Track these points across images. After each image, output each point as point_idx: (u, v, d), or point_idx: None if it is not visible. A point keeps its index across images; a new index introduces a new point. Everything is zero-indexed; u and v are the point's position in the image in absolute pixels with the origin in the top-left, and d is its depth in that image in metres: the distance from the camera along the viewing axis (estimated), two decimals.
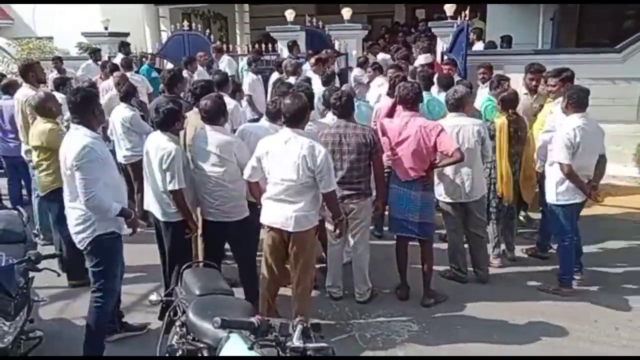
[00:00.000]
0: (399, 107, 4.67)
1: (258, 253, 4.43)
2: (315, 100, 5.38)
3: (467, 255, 5.01)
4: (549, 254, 5.39)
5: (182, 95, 5.84)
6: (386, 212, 5.06)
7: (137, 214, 6.30)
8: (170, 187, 3.94)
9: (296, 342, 2.27)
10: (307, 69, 8.55)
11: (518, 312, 4.44)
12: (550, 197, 4.63)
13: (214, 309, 2.92)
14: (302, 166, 3.69)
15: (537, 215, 5.96)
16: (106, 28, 11.76)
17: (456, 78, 7.54)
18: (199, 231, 4.29)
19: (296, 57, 9.26)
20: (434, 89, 6.38)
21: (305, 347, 2.26)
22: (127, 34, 11.70)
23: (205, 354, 2.85)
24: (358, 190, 4.40)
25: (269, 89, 8.70)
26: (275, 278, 4.10)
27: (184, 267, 3.50)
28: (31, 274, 3.63)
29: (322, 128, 4.60)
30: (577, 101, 4.43)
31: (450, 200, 4.80)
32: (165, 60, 11.07)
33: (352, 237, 4.56)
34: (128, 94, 6.27)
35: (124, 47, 10.22)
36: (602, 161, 4.60)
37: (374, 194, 4.58)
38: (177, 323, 3.18)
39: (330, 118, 4.91)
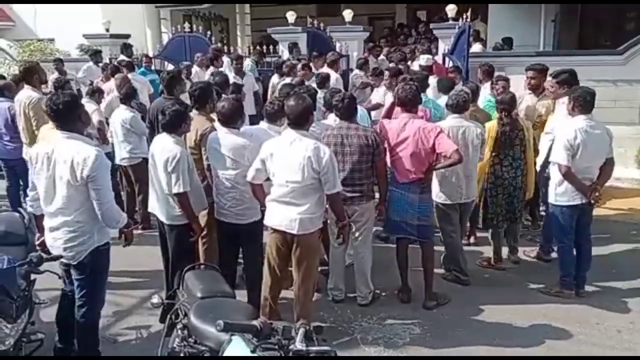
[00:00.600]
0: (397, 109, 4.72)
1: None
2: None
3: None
4: (551, 257, 5.37)
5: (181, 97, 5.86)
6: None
7: (140, 216, 6.42)
8: (175, 190, 3.93)
9: (299, 345, 2.27)
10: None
11: (520, 315, 4.43)
12: (550, 198, 4.62)
13: (215, 312, 2.91)
14: (307, 167, 3.68)
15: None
16: (107, 30, 11.76)
17: (460, 84, 7.57)
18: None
19: (296, 59, 9.27)
20: (430, 90, 6.40)
21: (307, 350, 2.25)
22: (128, 36, 11.69)
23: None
24: (360, 192, 4.38)
25: (269, 91, 8.75)
26: (277, 280, 4.09)
27: (185, 269, 3.50)
28: (33, 276, 3.62)
29: (325, 129, 4.59)
30: (583, 103, 4.41)
31: (449, 202, 4.80)
32: (166, 62, 11.07)
33: (354, 240, 4.55)
34: (128, 96, 6.27)
35: (126, 49, 10.23)
36: (609, 164, 4.56)
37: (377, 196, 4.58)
38: (179, 326, 3.18)
39: (332, 120, 4.91)
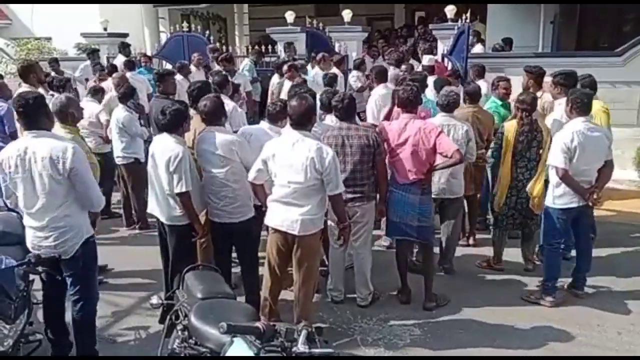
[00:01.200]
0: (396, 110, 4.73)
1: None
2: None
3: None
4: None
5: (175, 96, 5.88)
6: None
7: (136, 215, 6.40)
8: (177, 190, 3.91)
9: (301, 347, 2.26)
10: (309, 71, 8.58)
11: (520, 316, 4.42)
12: (548, 200, 4.58)
13: (216, 313, 2.90)
14: (310, 168, 3.67)
15: None
16: (105, 29, 11.73)
17: (484, 84, 7.58)
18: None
19: (292, 58, 9.26)
20: (429, 91, 6.39)
21: (310, 352, 2.24)
22: (126, 35, 11.67)
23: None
24: (361, 193, 4.36)
25: (270, 90, 8.73)
26: (278, 280, 4.08)
27: (185, 270, 3.47)
28: (31, 276, 3.60)
29: (326, 130, 4.58)
30: (581, 105, 4.37)
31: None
32: (164, 62, 11.05)
33: (354, 241, 4.52)
34: (126, 95, 6.25)
35: (125, 48, 10.20)
36: (608, 166, 4.54)
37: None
38: (179, 327, 3.15)
39: (329, 121, 4.89)
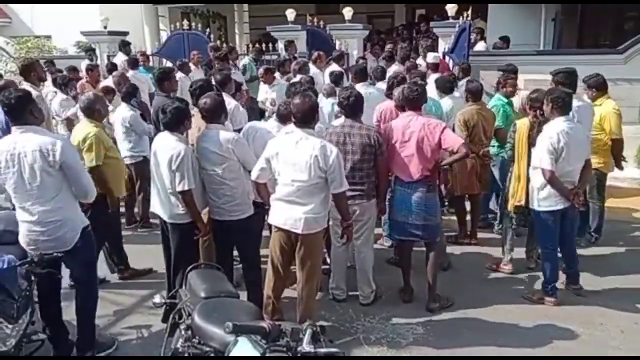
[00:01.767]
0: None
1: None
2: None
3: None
4: None
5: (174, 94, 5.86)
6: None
7: (140, 214, 6.39)
8: (179, 188, 3.91)
9: (306, 347, 2.24)
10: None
11: (523, 316, 4.41)
12: (533, 203, 4.51)
13: (220, 312, 2.89)
14: (314, 166, 3.66)
15: None
16: (105, 27, 11.70)
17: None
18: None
19: (292, 56, 9.23)
20: (432, 90, 6.36)
21: (316, 352, 2.23)
22: (126, 33, 11.65)
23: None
24: (361, 191, 4.34)
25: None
26: (281, 279, 4.08)
27: (188, 269, 3.46)
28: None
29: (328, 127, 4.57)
30: (562, 104, 4.33)
31: None
32: (164, 60, 11.03)
33: (356, 239, 4.50)
34: (129, 94, 6.22)
35: (125, 46, 10.17)
36: (588, 166, 4.51)
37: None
38: (182, 326, 3.14)
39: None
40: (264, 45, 10.38)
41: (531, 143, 4.62)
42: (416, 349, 4.03)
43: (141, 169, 6.15)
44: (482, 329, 4.25)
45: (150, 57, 11.19)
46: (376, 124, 5.31)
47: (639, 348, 3.99)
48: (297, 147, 3.72)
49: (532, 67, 7.44)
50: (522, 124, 4.79)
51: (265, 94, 7.80)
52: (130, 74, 8.04)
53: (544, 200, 4.41)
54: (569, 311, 4.47)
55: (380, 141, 4.33)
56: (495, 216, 6.06)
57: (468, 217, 5.90)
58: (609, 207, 6.52)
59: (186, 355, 2.97)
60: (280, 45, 10.46)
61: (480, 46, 9.94)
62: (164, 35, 13.06)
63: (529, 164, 4.62)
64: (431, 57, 7.91)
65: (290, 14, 10.49)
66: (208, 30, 11.44)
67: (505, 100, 5.84)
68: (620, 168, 5.78)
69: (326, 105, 6.15)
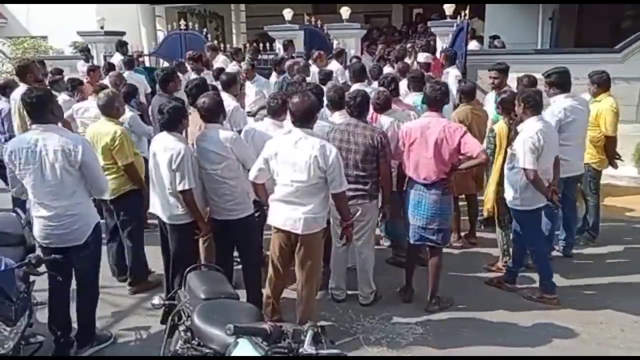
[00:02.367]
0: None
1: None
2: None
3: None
4: (553, 256, 5.35)
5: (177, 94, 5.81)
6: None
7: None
8: (180, 188, 3.90)
9: (308, 348, 2.23)
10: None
11: (522, 315, 4.41)
12: (514, 203, 4.51)
13: (220, 314, 2.88)
14: (314, 166, 3.64)
15: None
16: (102, 27, 11.66)
17: (455, 72, 7.60)
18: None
19: (291, 57, 9.20)
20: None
21: (317, 353, 2.21)
22: (123, 33, 11.59)
23: None
24: (363, 191, 4.33)
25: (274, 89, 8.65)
26: (281, 279, 4.07)
27: (187, 270, 3.45)
28: (31, 277, 3.56)
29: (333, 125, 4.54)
30: (534, 104, 4.36)
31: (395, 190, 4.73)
32: (161, 60, 11.00)
33: (356, 240, 4.49)
34: (128, 95, 6.19)
35: (122, 46, 10.13)
36: (557, 162, 4.56)
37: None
38: (182, 328, 3.12)
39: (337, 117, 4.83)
40: (261, 45, 10.36)
41: (508, 145, 4.65)
42: (416, 349, 4.02)
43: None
44: (482, 329, 4.24)
45: (148, 58, 11.20)
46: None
47: (639, 347, 3.99)
48: (296, 147, 3.70)
49: (529, 66, 7.41)
50: (501, 129, 4.79)
51: (248, 89, 7.80)
52: (126, 74, 7.99)
53: (527, 199, 4.43)
54: (569, 310, 4.47)
55: (384, 143, 4.30)
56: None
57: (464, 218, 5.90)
58: (607, 205, 6.56)
59: (186, 356, 2.96)
60: (278, 45, 10.44)
61: (472, 45, 9.93)
62: (160, 35, 13.03)
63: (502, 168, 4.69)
64: (422, 57, 7.91)
65: (288, 13, 10.46)
66: (205, 30, 11.43)
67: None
68: (615, 166, 5.77)
69: None
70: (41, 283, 3.87)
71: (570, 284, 4.92)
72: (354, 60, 8.78)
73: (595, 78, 5.59)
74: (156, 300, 3.47)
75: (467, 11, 8.85)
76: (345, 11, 10.12)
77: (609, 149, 5.60)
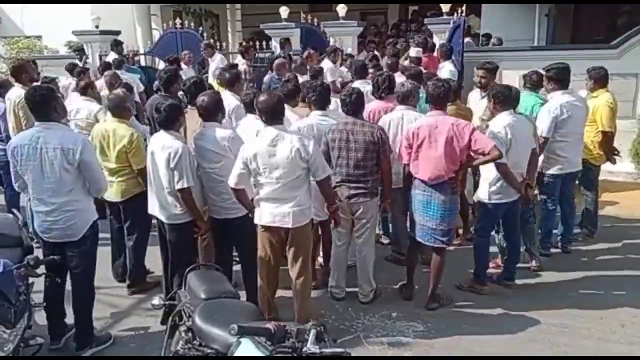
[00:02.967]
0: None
1: None
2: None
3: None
4: (551, 252, 5.37)
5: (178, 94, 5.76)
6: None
7: None
8: (178, 186, 3.89)
9: (311, 347, 2.22)
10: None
11: (523, 310, 4.41)
12: (483, 195, 4.52)
13: (221, 313, 2.86)
14: (297, 159, 3.67)
15: None
16: (97, 26, 11.59)
17: (450, 67, 7.59)
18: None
19: (287, 55, 9.17)
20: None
21: (321, 352, 2.20)
22: (118, 32, 11.54)
23: None
24: (364, 189, 4.31)
25: (262, 88, 8.63)
26: (274, 276, 4.08)
27: (187, 270, 3.43)
28: (30, 279, 3.54)
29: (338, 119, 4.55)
30: (504, 99, 4.40)
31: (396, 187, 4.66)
32: (157, 59, 10.95)
33: (357, 238, 4.49)
34: None
35: (117, 45, 10.08)
36: (533, 155, 4.57)
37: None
38: (182, 328, 3.11)
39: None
40: (257, 43, 10.32)
41: None
42: (417, 346, 4.02)
43: None
44: (482, 325, 4.25)
45: (144, 57, 11.15)
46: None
47: (639, 342, 3.99)
48: (274, 145, 3.71)
49: (526, 63, 7.42)
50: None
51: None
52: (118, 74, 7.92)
53: (495, 193, 4.46)
54: (568, 306, 4.47)
55: (384, 138, 4.29)
56: None
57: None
58: (605, 201, 6.56)
59: (187, 357, 2.94)
60: (274, 43, 10.40)
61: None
62: (156, 34, 12.95)
63: None
64: (413, 52, 7.89)
65: (284, 11, 10.43)
66: (201, 28, 11.38)
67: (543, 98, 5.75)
68: (612, 162, 5.78)
69: None
70: (39, 284, 3.86)
71: (568, 279, 4.93)
72: (348, 58, 8.77)
73: (593, 73, 5.61)
74: (156, 300, 3.45)
75: (463, 7, 8.85)
76: (341, 9, 10.08)
77: (605, 145, 5.60)
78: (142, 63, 11.29)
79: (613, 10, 11.25)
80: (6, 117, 5.93)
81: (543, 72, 5.31)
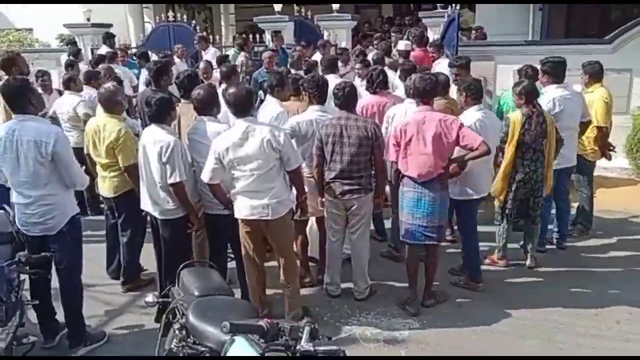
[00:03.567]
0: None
1: None
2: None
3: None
4: (546, 249, 5.37)
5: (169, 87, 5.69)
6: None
7: None
8: (171, 180, 3.85)
9: (305, 345, 2.18)
10: None
11: (518, 308, 4.40)
12: (453, 192, 4.48)
13: (215, 311, 2.82)
14: (268, 149, 3.67)
15: None
16: (88, 19, 11.47)
17: (446, 62, 7.56)
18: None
19: (280, 48, 9.11)
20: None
21: (316, 350, 2.17)
22: (110, 25, 11.42)
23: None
24: (358, 185, 4.28)
25: (252, 83, 8.55)
26: (260, 269, 4.08)
27: (181, 267, 3.39)
28: (22, 276, 3.50)
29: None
30: (475, 92, 4.44)
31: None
32: (149, 52, 10.83)
33: (352, 234, 4.46)
34: None
35: (109, 38, 9.97)
36: (498, 152, 4.64)
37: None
38: (176, 326, 3.06)
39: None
40: (251, 36, 10.24)
41: (521, 137, 4.61)
42: (413, 343, 4.00)
43: None
44: (477, 322, 4.22)
45: (137, 51, 11.02)
46: None
47: (634, 339, 4.00)
48: (246, 138, 3.70)
49: (521, 57, 7.39)
50: (516, 118, 4.67)
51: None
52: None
53: (467, 188, 4.52)
54: (564, 303, 4.47)
55: (378, 134, 4.26)
56: None
57: None
58: (599, 197, 6.56)
59: (181, 355, 2.91)
60: (268, 36, 10.33)
61: None
62: (148, 27, 12.84)
63: (522, 158, 4.68)
64: (402, 45, 7.84)
65: (278, 4, 10.35)
66: (194, 21, 11.29)
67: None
68: (608, 158, 5.77)
69: None
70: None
71: (563, 276, 4.94)
72: (342, 52, 8.71)
73: (588, 68, 5.60)
74: (150, 298, 3.40)
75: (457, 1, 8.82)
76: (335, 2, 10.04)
77: (600, 140, 5.59)
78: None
79: (607, 5, 11.24)
80: None
81: (538, 67, 5.29)
